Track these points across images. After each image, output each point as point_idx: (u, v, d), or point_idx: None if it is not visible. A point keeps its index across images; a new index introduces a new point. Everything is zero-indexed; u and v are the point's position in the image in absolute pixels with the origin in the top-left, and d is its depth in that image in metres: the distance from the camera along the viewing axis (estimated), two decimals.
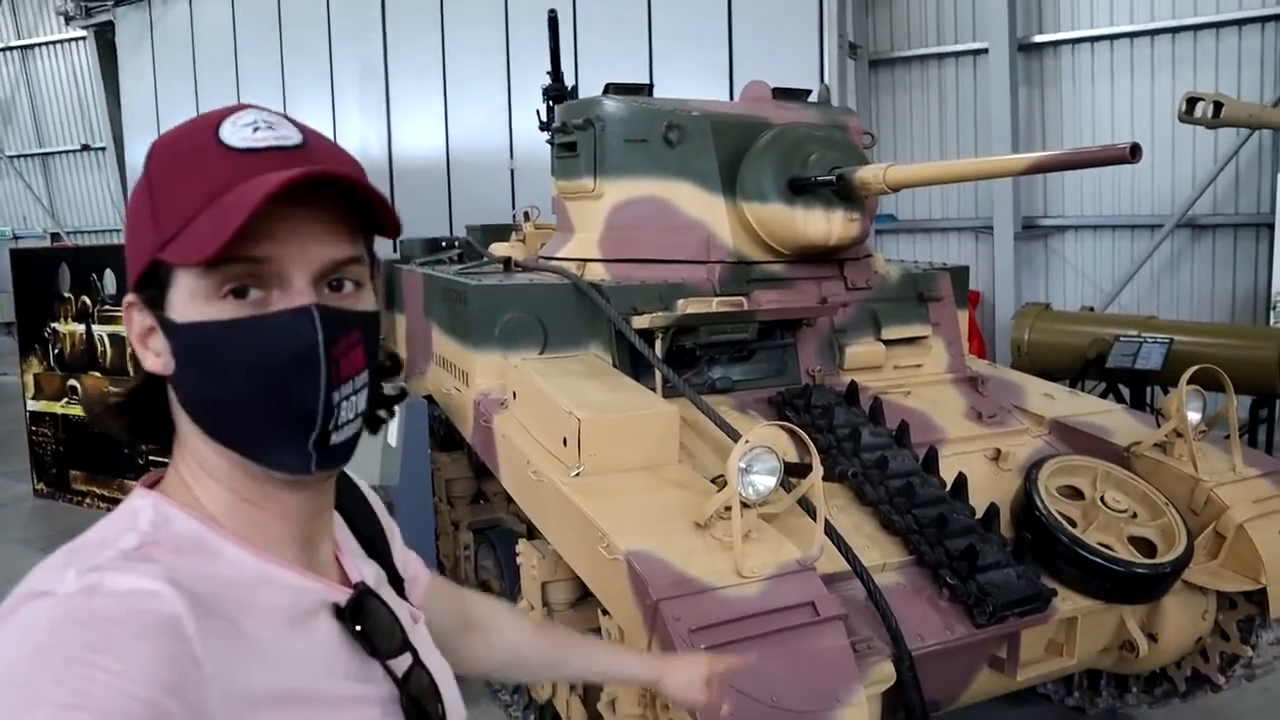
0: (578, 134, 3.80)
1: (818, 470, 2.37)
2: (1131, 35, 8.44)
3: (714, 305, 3.30)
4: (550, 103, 4.63)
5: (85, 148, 15.13)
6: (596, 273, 3.68)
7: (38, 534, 6.33)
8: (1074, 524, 2.84)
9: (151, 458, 6.35)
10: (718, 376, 3.44)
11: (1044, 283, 9.23)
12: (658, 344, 3.25)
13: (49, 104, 15.55)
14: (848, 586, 2.51)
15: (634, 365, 3.34)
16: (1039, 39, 8.83)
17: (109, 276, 6.50)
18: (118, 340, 6.47)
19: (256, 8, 11.94)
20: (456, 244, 5.26)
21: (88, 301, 6.61)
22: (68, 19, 13.67)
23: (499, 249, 4.82)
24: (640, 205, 3.68)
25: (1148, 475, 3.12)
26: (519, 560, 3.11)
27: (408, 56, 10.66)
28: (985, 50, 8.82)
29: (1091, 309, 8.27)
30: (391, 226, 0.83)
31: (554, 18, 4.64)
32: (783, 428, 2.57)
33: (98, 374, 6.61)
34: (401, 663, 0.89)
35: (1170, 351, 6.89)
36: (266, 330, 0.76)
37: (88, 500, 6.79)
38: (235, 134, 0.78)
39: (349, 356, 0.79)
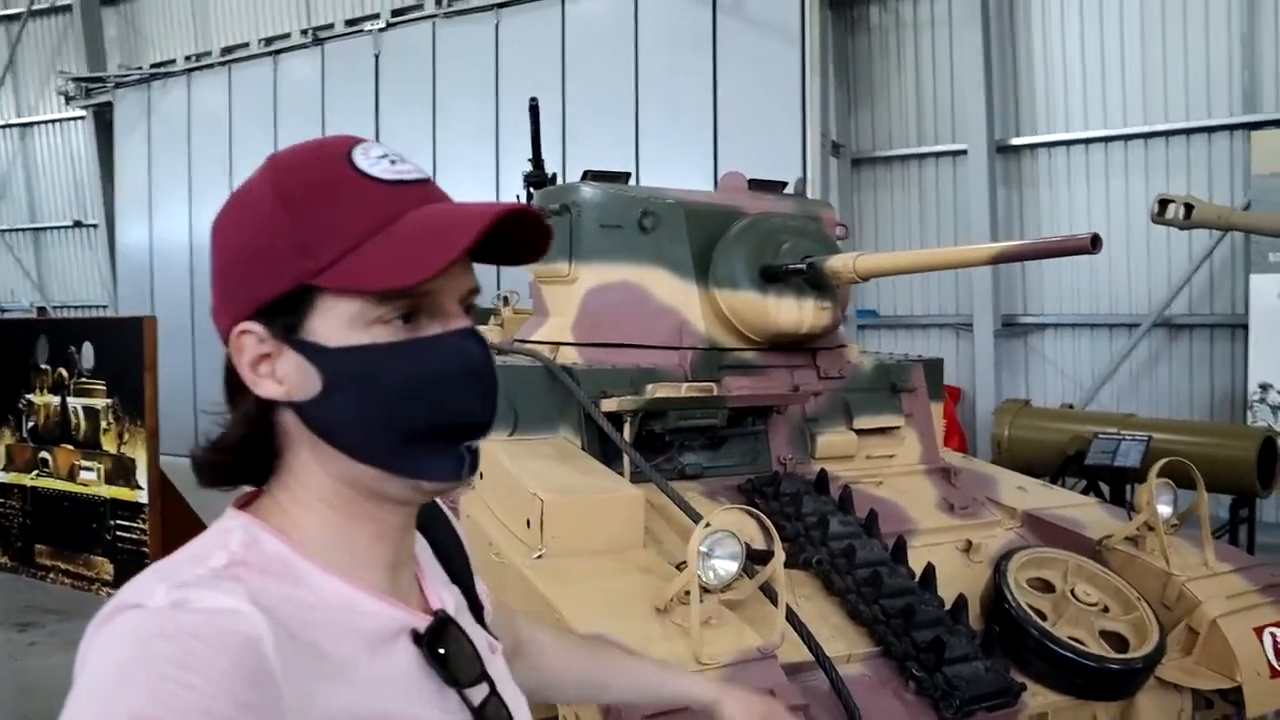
0: (554, 219, 3.83)
1: (779, 556, 2.35)
2: (1106, 140, 8.68)
3: (683, 390, 3.30)
4: (530, 188, 4.70)
5: (77, 224, 15.24)
6: (569, 356, 3.67)
7: (2, 610, 6.18)
8: (1044, 617, 2.80)
9: (119, 534, 6.26)
10: (688, 463, 3.41)
11: (1024, 380, 9.29)
12: (627, 428, 3.23)
13: (44, 181, 15.71)
14: (811, 677, 2.45)
15: (604, 450, 3.32)
16: (1016, 141, 9.05)
17: (87, 349, 6.48)
18: (92, 413, 6.42)
19: (252, 92, 12.17)
20: None
21: (64, 374, 6.57)
22: (68, 99, 13.88)
23: (491, 333, 4.84)
24: (614, 290, 3.70)
25: (1120, 569, 3.09)
26: None
27: (398, 139, 10.85)
28: (964, 151, 9.02)
29: (1071, 406, 8.30)
30: (536, 254, 0.90)
31: (535, 106, 4.73)
32: (747, 512, 2.55)
33: (70, 446, 6.54)
34: (478, 692, 0.89)
35: (1149, 449, 6.89)
36: (437, 351, 0.81)
37: (51, 575, 6.65)
38: (375, 165, 0.81)
39: (490, 373, 0.86)
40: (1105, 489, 7.17)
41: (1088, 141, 8.76)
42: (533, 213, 0.83)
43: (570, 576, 2.52)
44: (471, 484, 0.94)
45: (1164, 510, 3.13)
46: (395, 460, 0.82)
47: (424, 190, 0.83)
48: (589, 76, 9.86)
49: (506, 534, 2.81)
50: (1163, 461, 3.13)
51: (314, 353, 0.80)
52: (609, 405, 3.25)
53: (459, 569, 1.05)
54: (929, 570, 2.84)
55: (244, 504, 0.87)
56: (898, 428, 3.80)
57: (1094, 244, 2.35)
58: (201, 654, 0.67)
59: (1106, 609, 2.90)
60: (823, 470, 3.36)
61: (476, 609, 1.04)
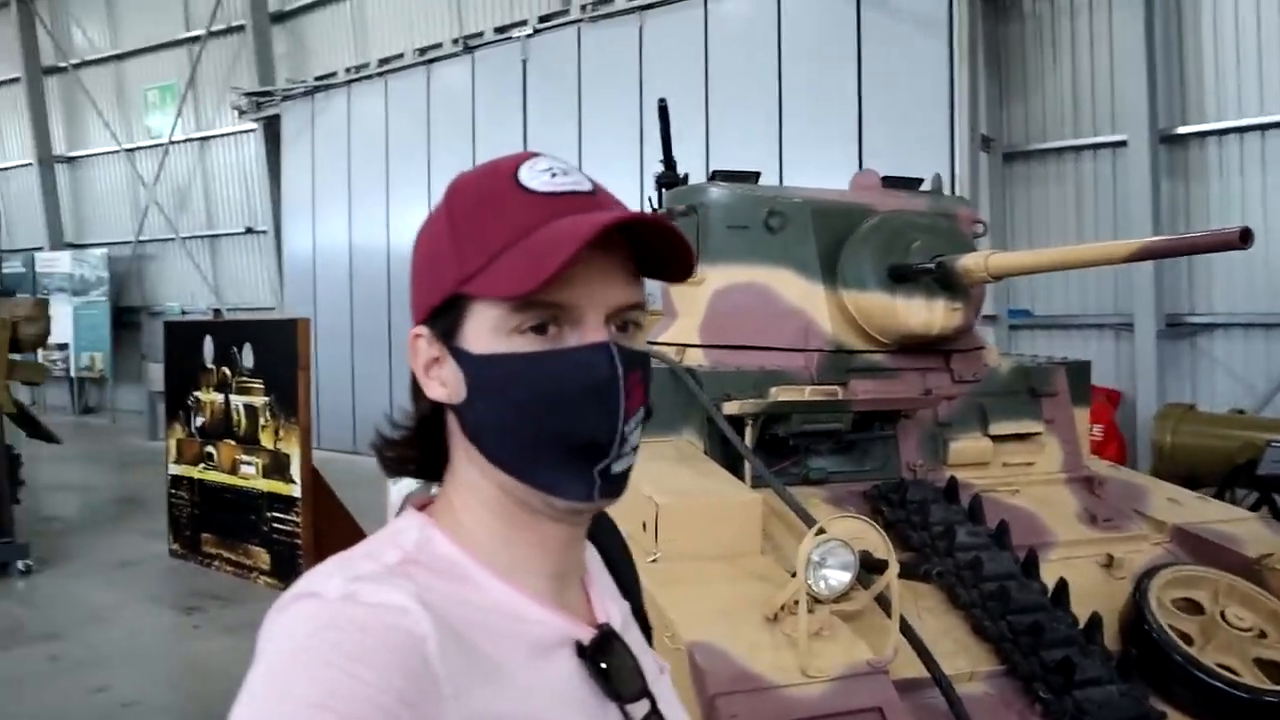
0: (682, 220, 3.83)
1: (893, 567, 2.27)
2: None
3: (806, 393, 3.23)
4: (661, 189, 4.70)
5: (249, 230, 16.18)
6: (695, 358, 3.66)
7: (167, 593, 6.63)
8: (1190, 641, 2.61)
9: (274, 525, 6.61)
10: (814, 467, 3.35)
11: (1190, 383, 8.71)
12: (749, 431, 3.19)
13: (220, 190, 16.75)
14: (928, 695, 2.36)
15: (726, 453, 3.28)
16: (1182, 130, 8.50)
17: (248, 350, 6.87)
18: (252, 411, 6.80)
19: (407, 100, 12.65)
20: None
21: (228, 372, 6.99)
22: (241, 113, 14.76)
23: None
24: (740, 292, 3.67)
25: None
26: None
27: (544, 142, 11.06)
28: (1125, 142, 8.53)
29: (1242, 411, 7.75)
30: (682, 269, 0.87)
31: (664, 106, 4.72)
32: (862, 520, 2.47)
33: (232, 442, 6.95)
34: (639, 709, 0.89)
35: None
36: (568, 363, 0.80)
37: (216, 563, 7.08)
38: (534, 178, 0.83)
39: (635, 392, 0.83)
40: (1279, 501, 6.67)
41: (1263, 128, 8.14)
42: (652, 219, 0.82)
43: (683, 581, 2.50)
44: (601, 507, 0.86)
45: None
46: (529, 472, 0.83)
47: (578, 201, 0.83)
48: (732, 76, 9.82)
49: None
50: None
51: (463, 358, 0.83)
52: (731, 408, 3.21)
53: (629, 584, 1.05)
54: (1062, 586, 2.69)
55: (423, 504, 0.90)
56: (1037, 434, 3.62)
57: (1244, 238, 2.17)
58: (368, 646, 0.69)
59: (1263, 634, 2.68)
60: (952, 477, 3.23)
61: (646, 629, 1.04)
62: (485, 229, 0.82)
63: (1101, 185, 8.98)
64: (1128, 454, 8.44)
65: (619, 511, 2.78)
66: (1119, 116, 8.69)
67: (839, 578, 2.31)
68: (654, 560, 2.62)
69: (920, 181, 4.17)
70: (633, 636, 0.96)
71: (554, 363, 0.80)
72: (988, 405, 3.59)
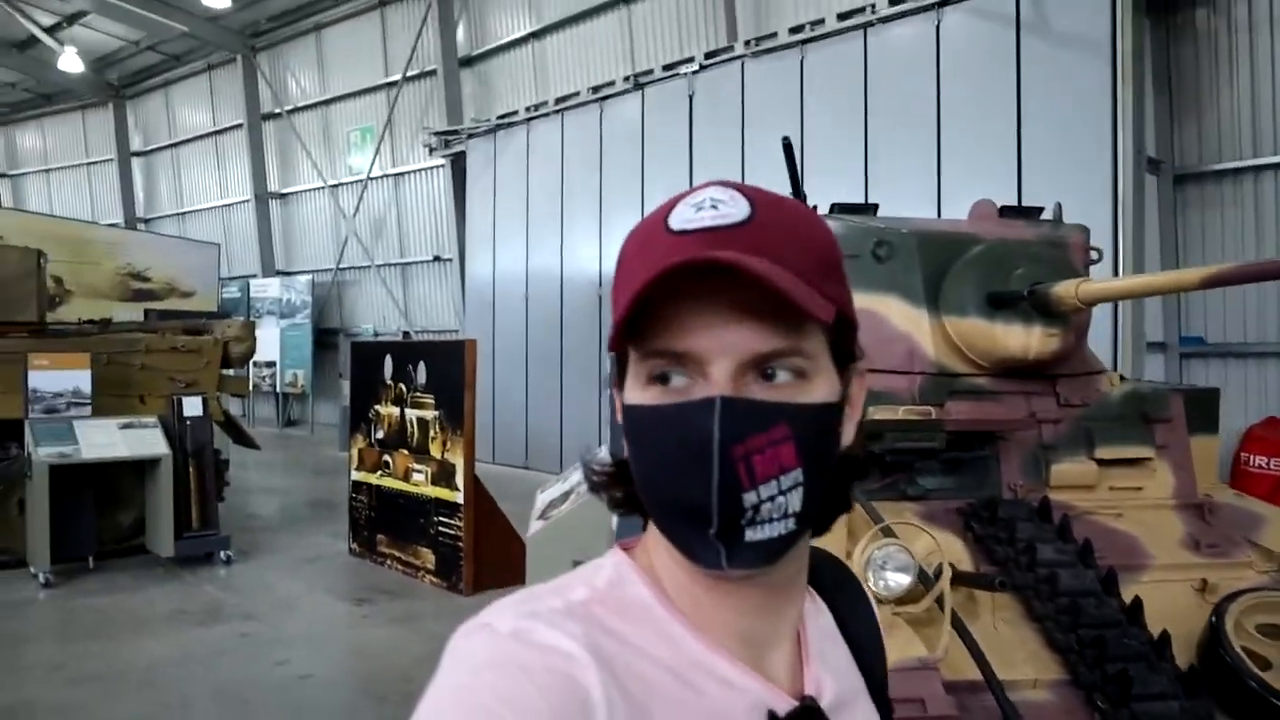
0: None
1: (947, 573, 2.43)
2: None
3: (900, 413, 3.39)
4: None
5: (436, 259, 17.28)
6: None
7: (344, 586, 7.30)
8: (1268, 666, 2.63)
9: (440, 528, 7.16)
10: (915, 485, 3.50)
11: None
12: None
13: (411, 222, 17.97)
14: (985, 698, 2.49)
15: None
16: None
17: (421, 367, 7.49)
18: (423, 424, 7.41)
19: (581, 135, 13.30)
20: None
21: (404, 388, 7.64)
22: (431, 150, 15.86)
23: None
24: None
25: None
26: None
27: (710, 172, 11.40)
28: None
29: None
30: (810, 314, 0.73)
31: (787, 144, 4.92)
32: (923, 529, 2.64)
33: (406, 451, 7.58)
34: None
35: None
36: (673, 419, 0.74)
37: (389, 562, 7.72)
38: (679, 214, 0.77)
39: (768, 453, 0.73)
40: None
41: None
42: (726, 261, 0.71)
43: None
44: (742, 577, 0.77)
45: None
46: (668, 531, 0.78)
47: (707, 239, 0.74)
48: (891, 105, 9.89)
49: None
50: None
51: (623, 407, 0.81)
52: None
53: (871, 661, 0.96)
54: (1137, 603, 2.76)
55: (629, 545, 0.87)
56: (1148, 459, 3.63)
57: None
58: (527, 692, 0.66)
59: None
60: (1045, 497, 3.32)
61: (886, 710, 0.96)
62: (624, 276, 0.78)
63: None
64: None
65: None
66: None
67: (898, 579, 2.49)
68: None
69: (1040, 210, 4.24)
70: (852, 717, 0.87)
71: (663, 417, 0.75)
72: (1095, 429, 3.63)
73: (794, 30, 10.76)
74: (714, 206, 0.76)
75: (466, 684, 0.67)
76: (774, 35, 11.01)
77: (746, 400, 0.73)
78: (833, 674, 0.86)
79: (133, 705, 4.96)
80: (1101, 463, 3.59)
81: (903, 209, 4.69)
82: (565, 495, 4.85)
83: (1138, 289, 3.31)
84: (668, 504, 0.76)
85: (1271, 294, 8.67)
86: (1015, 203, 8.59)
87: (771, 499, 0.73)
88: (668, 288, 0.72)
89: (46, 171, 25.87)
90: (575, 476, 5.18)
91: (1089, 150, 8.42)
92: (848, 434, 0.82)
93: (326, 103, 19.30)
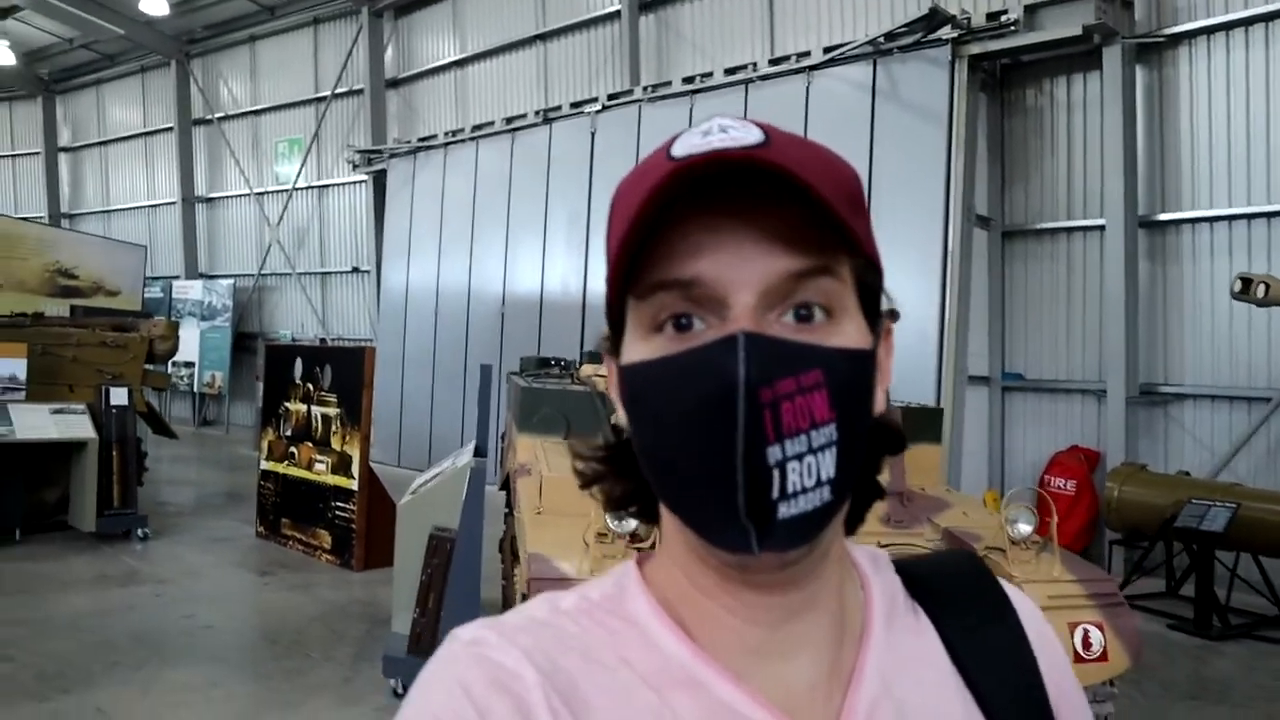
0: None
1: None
2: (1249, 216, 8.91)
3: None
4: None
5: (355, 270, 18.12)
6: None
7: (250, 561, 8.21)
8: None
9: (337, 512, 8.10)
10: None
11: (1163, 447, 9.53)
12: None
13: (332, 233, 18.78)
14: None
15: None
16: (1162, 217, 9.43)
17: (328, 369, 8.44)
18: (326, 420, 8.35)
19: (494, 162, 14.33)
20: (561, 363, 6.72)
21: (310, 387, 8.57)
22: (354, 166, 16.74)
23: (588, 369, 6.22)
24: None
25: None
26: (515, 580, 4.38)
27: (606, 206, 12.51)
28: (1103, 227, 9.52)
29: (1187, 473, 8.60)
30: (853, 233, 0.62)
31: None
32: None
33: (310, 444, 8.51)
34: None
35: (1235, 516, 7.24)
36: (687, 367, 0.61)
37: (290, 542, 8.63)
38: (684, 142, 0.63)
39: (798, 402, 0.59)
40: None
41: (1231, 219, 9.03)
42: (738, 154, 0.59)
43: (549, 525, 3.81)
44: (773, 563, 0.64)
45: (1024, 529, 3.99)
46: (685, 510, 0.64)
47: (718, 163, 0.60)
48: None
49: (532, 501, 4.14)
50: (1013, 491, 3.97)
51: (619, 372, 0.68)
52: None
53: (1004, 701, 0.72)
54: None
55: (646, 556, 0.75)
56: None
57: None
58: (463, 710, 0.61)
59: None
60: None
61: None
62: (617, 215, 0.65)
63: (1090, 264, 9.95)
64: (1100, 509, 9.30)
65: (531, 488, 4.16)
66: (1105, 202, 9.66)
67: (629, 524, 3.57)
68: (539, 513, 3.93)
69: None
70: None
71: (673, 367, 0.62)
72: None
73: (687, 80, 11.95)
74: (724, 131, 0.63)
75: (416, 700, 0.63)
76: (669, 83, 12.19)
77: (773, 339, 0.60)
78: (897, 711, 0.68)
79: (58, 645, 5.81)
80: None
81: None
82: (434, 476, 5.88)
83: None
84: (681, 477, 0.62)
85: (1078, 338, 10.08)
86: None
87: (799, 457, 0.59)
88: (674, 216, 0.61)
89: None
90: (444, 463, 6.21)
91: (926, 205, 9.71)
92: (879, 399, 0.68)
93: (257, 112, 20.02)
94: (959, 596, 0.77)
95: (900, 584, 0.76)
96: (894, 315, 0.72)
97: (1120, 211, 9.29)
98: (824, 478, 0.60)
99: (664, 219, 0.62)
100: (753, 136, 0.62)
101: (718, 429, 0.59)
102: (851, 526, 0.73)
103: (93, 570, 7.61)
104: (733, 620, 0.67)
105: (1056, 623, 3.69)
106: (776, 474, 0.59)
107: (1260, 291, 6.99)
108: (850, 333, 0.64)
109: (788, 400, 0.59)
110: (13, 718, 4.71)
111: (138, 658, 5.62)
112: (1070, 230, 10.09)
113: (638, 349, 0.65)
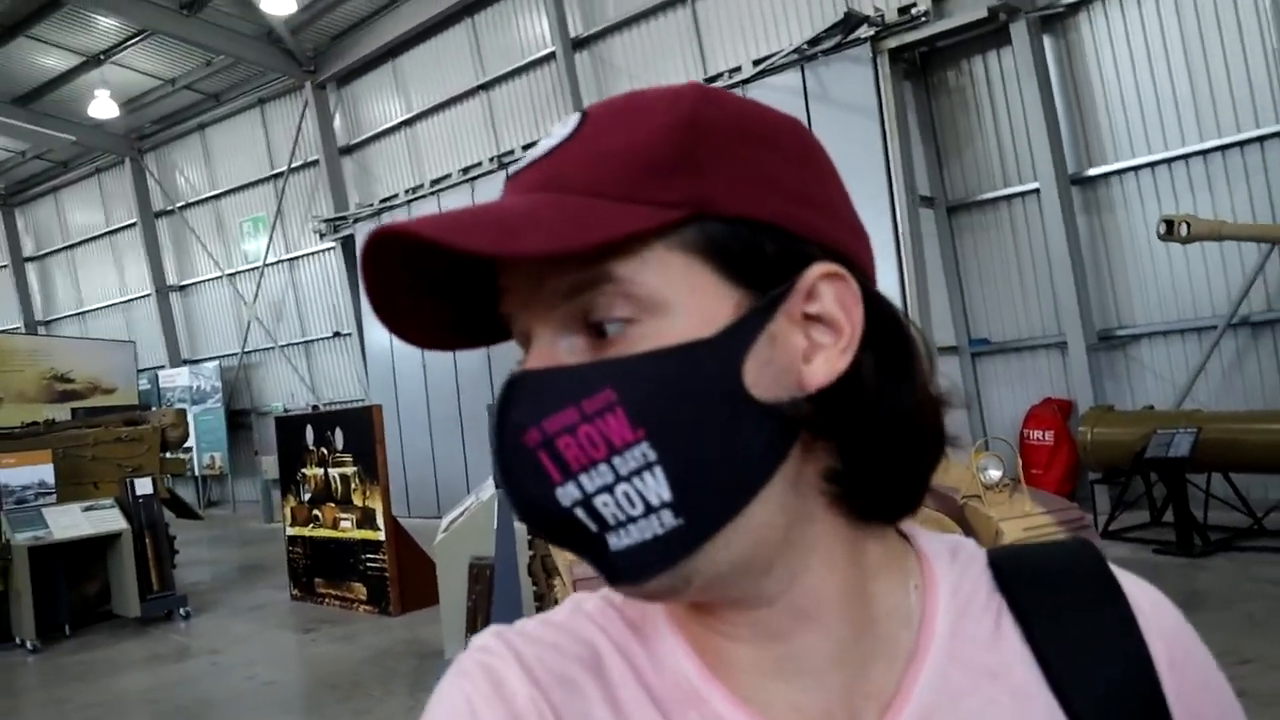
0: None
1: None
2: (1169, 160, 9.56)
3: None
4: None
5: (336, 334, 18.56)
6: None
7: (291, 621, 8.66)
8: None
9: (368, 564, 8.56)
10: None
11: (1129, 387, 10.13)
12: None
13: (309, 302, 19.23)
14: None
15: None
16: (1092, 172, 10.07)
17: (339, 433, 8.92)
18: (345, 479, 8.83)
19: None
20: None
21: (324, 452, 9.04)
22: (321, 235, 17.22)
23: None
24: None
25: (970, 518, 4.52)
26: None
27: None
28: (1037, 190, 10.16)
29: (1152, 407, 9.20)
30: (522, 252, 0.51)
31: None
32: None
33: (332, 504, 8.98)
34: None
35: (1198, 440, 7.83)
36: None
37: (327, 599, 9.08)
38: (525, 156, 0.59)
39: (581, 432, 0.52)
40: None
41: (1153, 165, 9.68)
42: (400, 229, 0.51)
43: None
44: (636, 594, 0.57)
45: (994, 474, 4.54)
46: None
47: (521, 179, 0.58)
48: None
49: None
50: (980, 441, 4.52)
51: None
52: None
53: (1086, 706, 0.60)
54: None
55: None
56: None
57: None
58: (461, 693, 0.60)
59: None
60: None
61: None
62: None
63: (1032, 226, 10.58)
64: (1079, 455, 9.89)
65: None
66: (1036, 167, 10.29)
67: None
68: None
69: None
70: None
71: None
72: None
73: None
74: (553, 132, 0.58)
75: (430, 707, 0.61)
76: None
77: (539, 372, 0.55)
78: None
79: (142, 717, 6.26)
80: None
81: None
82: (462, 512, 6.37)
83: None
84: None
85: (1033, 296, 10.70)
86: None
87: (608, 489, 0.52)
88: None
89: None
90: (468, 500, 6.71)
91: (872, 194, 10.30)
92: (817, 371, 0.55)
93: (217, 196, 20.46)
94: (1058, 589, 0.63)
95: (988, 579, 0.64)
96: (809, 259, 0.56)
97: (1051, 173, 9.93)
98: (654, 503, 0.52)
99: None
100: (563, 132, 0.57)
101: (502, 474, 0.56)
102: (878, 510, 0.60)
103: (146, 651, 8.04)
104: (718, 637, 0.61)
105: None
106: (582, 512, 0.53)
107: (1183, 231, 7.61)
108: (673, 328, 0.53)
109: (566, 434, 0.52)
110: None
111: (218, 713, 6.08)
112: (1010, 198, 10.72)
113: None
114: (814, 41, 10.56)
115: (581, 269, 0.53)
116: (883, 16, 10.11)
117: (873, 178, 10.30)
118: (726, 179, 0.55)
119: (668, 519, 0.53)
